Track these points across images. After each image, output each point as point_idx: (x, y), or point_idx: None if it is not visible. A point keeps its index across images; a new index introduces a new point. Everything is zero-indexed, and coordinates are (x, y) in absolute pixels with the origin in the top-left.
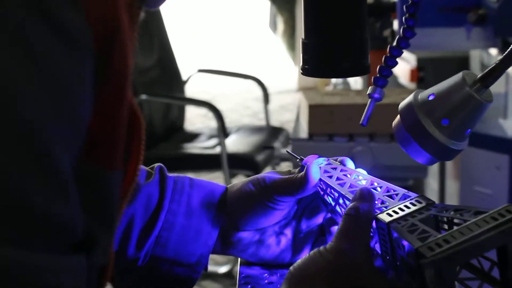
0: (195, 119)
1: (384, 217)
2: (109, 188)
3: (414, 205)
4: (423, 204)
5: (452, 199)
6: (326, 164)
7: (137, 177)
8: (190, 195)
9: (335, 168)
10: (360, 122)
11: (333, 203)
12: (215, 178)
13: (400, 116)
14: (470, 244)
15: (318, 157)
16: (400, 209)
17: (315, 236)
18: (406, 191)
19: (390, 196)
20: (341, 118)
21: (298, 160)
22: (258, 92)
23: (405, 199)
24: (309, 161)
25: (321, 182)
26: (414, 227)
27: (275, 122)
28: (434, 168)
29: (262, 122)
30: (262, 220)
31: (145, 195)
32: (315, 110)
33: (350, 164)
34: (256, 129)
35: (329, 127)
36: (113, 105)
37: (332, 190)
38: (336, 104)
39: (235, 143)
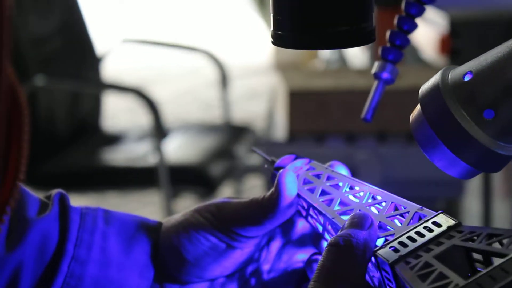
0: (118, 115)
1: (387, 253)
2: None
3: (430, 230)
4: (443, 229)
5: (502, 226)
6: (307, 170)
7: (18, 191)
8: (105, 235)
9: (319, 175)
10: (362, 116)
11: (320, 229)
12: (150, 203)
13: (421, 106)
14: None
15: (295, 158)
16: (410, 238)
17: (298, 279)
18: (419, 207)
19: (402, 215)
20: (337, 111)
21: (267, 164)
22: (213, 72)
23: (420, 219)
24: (284, 164)
25: (301, 199)
26: (428, 269)
27: (238, 117)
28: (474, 184)
29: (219, 118)
30: (215, 267)
31: (38, 235)
32: (298, 99)
33: (341, 171)
34: (209, 128)
35: (319, 123)
36: None
37: (315, 211)
38: (329, 90)
39: (178, 149)
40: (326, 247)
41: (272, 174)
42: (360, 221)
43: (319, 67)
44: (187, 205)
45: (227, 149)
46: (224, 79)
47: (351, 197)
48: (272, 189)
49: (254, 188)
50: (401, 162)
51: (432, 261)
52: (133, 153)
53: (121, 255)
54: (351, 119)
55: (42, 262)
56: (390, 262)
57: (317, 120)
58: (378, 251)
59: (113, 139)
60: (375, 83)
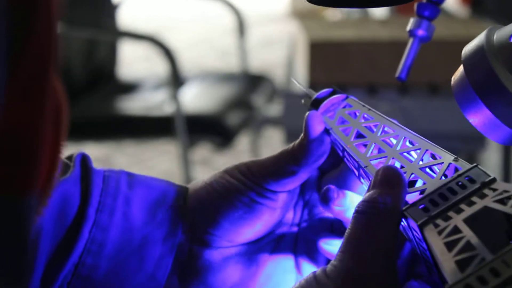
0: (134, 63)
1: (417, 213)
2: (20, 222)
3: (463, 186)
4: (477, 185)
5: None
6: (343, 107)
7: (49, 197)
8: (129, 200)
9: (355, 114)
10: (397, 75)
11: (356, 173)
12: (166, 152)
13: (464, 68)
14: None
15: (333, 92)
16: (442, 195)
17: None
18: (454, 157)
19: (431, 169)
20: (358, 62)
21: (304, 100)
22: (229, 20)
23: (456, 170)
24: (321, 98)
25: (336, 140)
26: (456, 236)
27: (255, 66)
28: None
29: (235, 67)
30: (247, 229)
31: (58, 197)
32: (319, 50)
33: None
34: (226, 77)
35: (340, 75)
36: (32, 92)
37: (348, 156)
38: (350, 40)
39: (194, 98)
40: (353, 214)
41: (308, 110)
42: (389, 179)
43: (337, 15)
44: (204, 154)
45: (245, 98)
46: (240, 27)
47: (388, 139)
48: (301, 135)
49: (271, 138)
50: (423, 115)
51: (461, 226)
52: (149, 101)
53: (144, 221)
54: (373, 70)
55: (62, 226)
56: (419, 223)
57: (338, 71)
58: (407, 210)
59: (129, 88)
60: (410, 40)
